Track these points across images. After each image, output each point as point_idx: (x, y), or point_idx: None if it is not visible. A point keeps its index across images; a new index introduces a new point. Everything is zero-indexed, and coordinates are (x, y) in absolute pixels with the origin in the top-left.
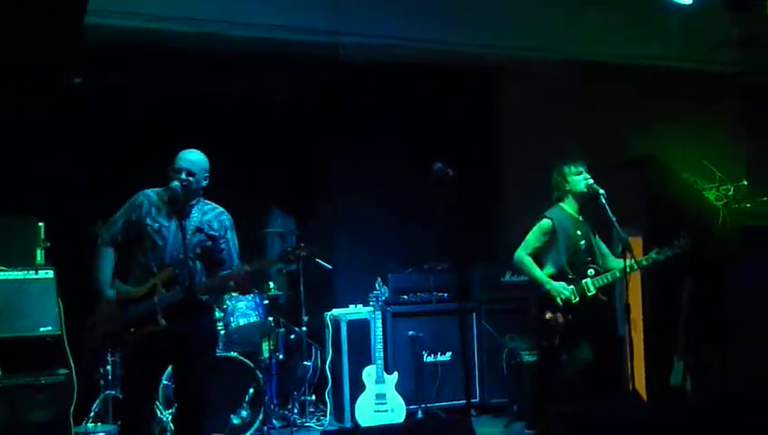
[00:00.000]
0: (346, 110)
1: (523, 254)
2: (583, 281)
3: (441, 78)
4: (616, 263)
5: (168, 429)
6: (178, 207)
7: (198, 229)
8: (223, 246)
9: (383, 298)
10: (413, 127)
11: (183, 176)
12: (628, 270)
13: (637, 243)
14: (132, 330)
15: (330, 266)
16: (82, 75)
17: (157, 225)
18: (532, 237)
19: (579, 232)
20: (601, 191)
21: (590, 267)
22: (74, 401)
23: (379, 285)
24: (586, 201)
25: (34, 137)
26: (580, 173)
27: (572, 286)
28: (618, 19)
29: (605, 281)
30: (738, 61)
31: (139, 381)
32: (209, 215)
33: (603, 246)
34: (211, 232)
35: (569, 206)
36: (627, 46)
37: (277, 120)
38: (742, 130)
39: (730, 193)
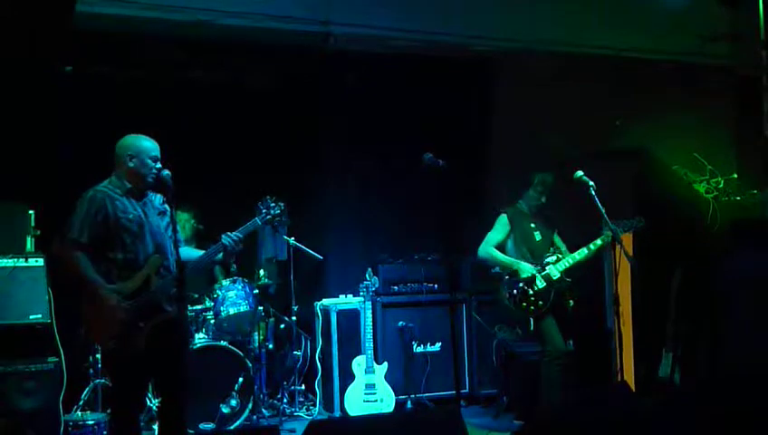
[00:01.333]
0: (336, 100)
1: (486, 247)
2: (548, 268)
3: (432, 69)
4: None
5: (157, 417)
6: (141, 195)
7: (162, 213)
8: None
9: (373, 288)
10: (404, 117)
11: (159, 165)
12: (592, 248)
13: (626, 235)
14: (141, 325)
15: (320, 256)
16: (73, 63)
17: (131, 215)
18: (493, 232)
19: (532, 224)
20: (591, 183)
21: (551, 254)
22: (64, 389)
23: (369, 276)
24: (540, 208)
25: (26, 125)
26: (542, 185)
27: (537, 268)
28: (608, 11)
29: (567, 264)
30: (729, 54)
31: (147, 373)
32: (156, 198)
33: (561, 243)
34: (165, 210)
35: (523, 204)
36: (618, 38)
37: (267, 109)
38: (732, 123)
39: (720, 186)
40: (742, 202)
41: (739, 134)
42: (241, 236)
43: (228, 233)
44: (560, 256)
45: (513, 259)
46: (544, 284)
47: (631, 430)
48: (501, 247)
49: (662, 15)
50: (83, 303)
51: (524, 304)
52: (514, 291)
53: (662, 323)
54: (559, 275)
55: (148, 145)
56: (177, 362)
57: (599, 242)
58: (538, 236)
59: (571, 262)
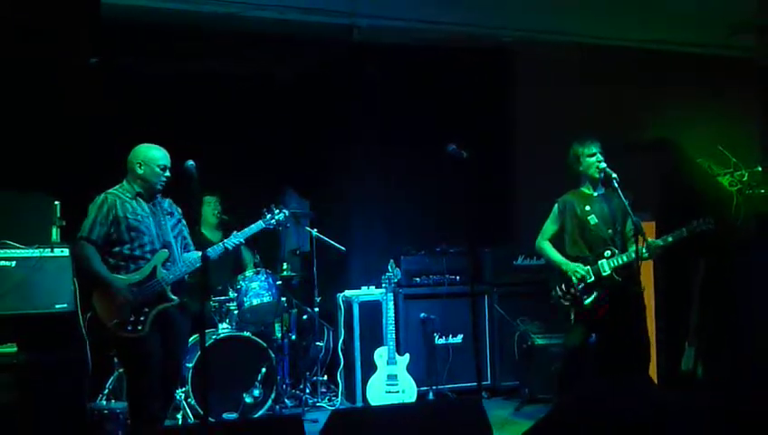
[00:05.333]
0: (361, 92)
1: (540, 240)
2: (599, 261)
3: (455, 60)
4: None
5: (181, 407)
6: (150, 198)
7: (170, 213)
8: (185, 230)
9: (395, 280)
10: (427, 108)
11: (168, 173)
12: (644, 251)
13: (650, 227)
14: (146, 310)
15: (343, 248)
16: (99, 55)
17: (139, 216)
18: (547, 223)
19: (588, 208)
20: (614, 175)
21: (607, 248)
22: (89, 378)
23: (391, 267)
24: (603, 180)
25: (51, 116)
26: (593, 155)
27: (588, 267)
28: (633, 3)
29: (620, 262)
30: (754, 46)
31: (154, 356)
32: (165, 201)
33: (629, 227)
34: (176, 214)
35: (584, 186)
36: (643, 30)
37: (292, 101)
38: (757, 116)
39: (744, 179)
40: (766, 195)
41: (764, 126)
42: (242, 240)
43: (230, 239)
44: (615, 250)
45: (562, 260)
46: (593, 278)
47: (653, 424)
48: (558, 238)
49: (687, 7)
50: (93, 290)
51: (569, 296)
52: (563, 284)
53: (685, 317)
54: (609, 272)
55: (158, 154)
56: (174, 345)
57: (660, 242)
58: (593, 220)
59: (626, 259)
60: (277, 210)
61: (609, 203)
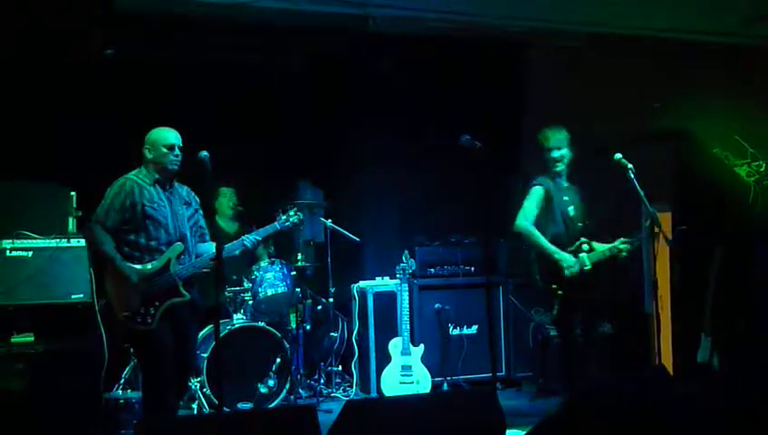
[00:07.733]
0: (374, 82)
1: (526, 223)
2: (580, 255)
3: (470, 50)
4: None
5: (196, 396)
6: (169, 185)
7: (187, 203)
8: (201, 220)
9: (410, 271)
10: (441, 99)
11: (178, 152)
12: (623, 248)
13: (666, 218)
14: (157, 303)
15: (357, 239)
16: (114, 47)
17: (156, 205)
18: (530, 206)
19: (566, 198)
20: (629, 166)
21: (583, 242)
22: (105, 368)
23: (405, 258)
24: (571, 170)
25: (68, 108)
26: (551, 150)
27: (575, 259)
28: None
29: (599, 257)
30: None
31: (164, 349)
32: (183, 189)
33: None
34: (193, 203)
35: (555, 174)
36: (658, 19)
37: (306, 91)
38: None
39: (762, 169)
40: None
41: None
42: (260, 238)
43: (248, 236)
44: (590, 244)
45: (554, 249)
46: (577, 270)
47: (669, 415)
48: (538, 224)
49: None
50: (106, 277)
51: (554, 285)
52: (548, 272)
53: (701, 308)
54: (589, 266)
55: (164, 134)
56: (186, 340)
57: (633, 245)
58: (572, 211)
59: (608, 254)
60: (292, 212)
61: (578, 195)
